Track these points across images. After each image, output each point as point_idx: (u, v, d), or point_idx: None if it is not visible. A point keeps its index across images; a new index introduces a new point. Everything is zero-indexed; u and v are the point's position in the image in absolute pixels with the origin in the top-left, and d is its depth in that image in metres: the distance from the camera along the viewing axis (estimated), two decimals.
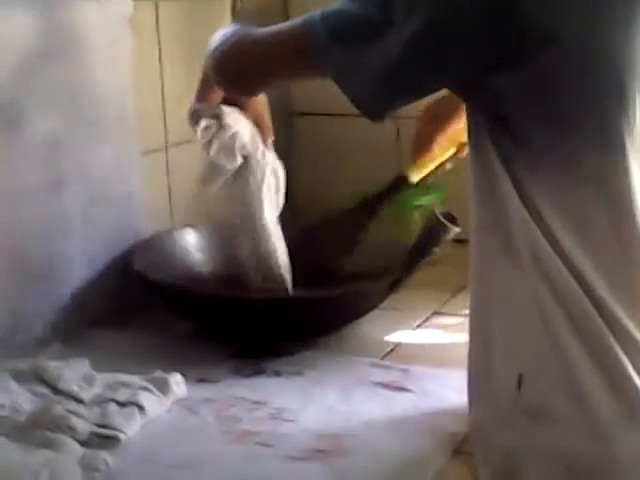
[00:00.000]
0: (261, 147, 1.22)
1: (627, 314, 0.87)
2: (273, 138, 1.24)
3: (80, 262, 1.27)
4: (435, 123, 1.21)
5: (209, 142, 1.18)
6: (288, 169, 1.28)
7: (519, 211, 0.88)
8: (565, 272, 0.87)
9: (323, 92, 1.72)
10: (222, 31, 1.07)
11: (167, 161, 1.45)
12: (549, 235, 0.87)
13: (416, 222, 1.47)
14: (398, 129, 1.67)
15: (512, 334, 0.91)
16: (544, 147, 0.87)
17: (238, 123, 1.18)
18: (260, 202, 1.22)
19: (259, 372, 1.17)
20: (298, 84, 1.54)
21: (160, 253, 1.34)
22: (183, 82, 1.45)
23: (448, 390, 1.11)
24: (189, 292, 1.25)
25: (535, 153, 0.87)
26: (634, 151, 0.87)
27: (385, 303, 1.28)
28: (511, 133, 0.88)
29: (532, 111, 0.87)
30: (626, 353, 0.86)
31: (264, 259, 1.23)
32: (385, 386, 1.13)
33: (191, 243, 1.40)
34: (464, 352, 1.23)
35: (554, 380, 0.88)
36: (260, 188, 1.22)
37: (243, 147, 1.19)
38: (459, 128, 1.14)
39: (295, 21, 0.96)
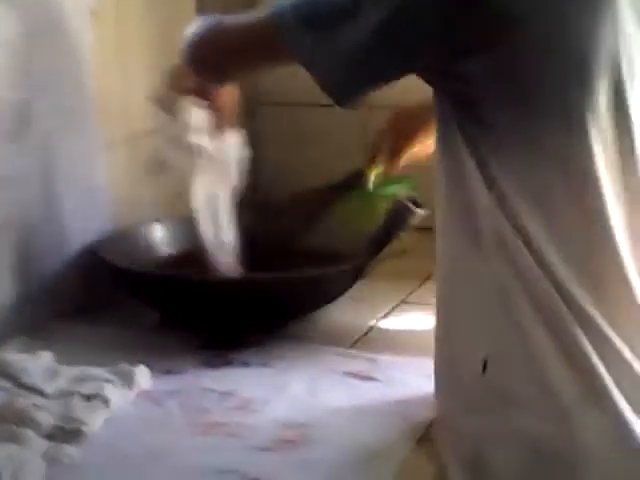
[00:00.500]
0: (216, 143, 1.22)
1: (591, 300, 0.87)
2: (236, 129, 1.23)
3: (45, 254, 1.26)
4: (405, 139, 1.23)
5: (164, 131, 1.19)
6: (254, 158, 1.27)
7: (484, 196, 0.89)
8: (529, 257, 0.87)
9: (289, 82, 1.72)
10: (198, 22, 1.09)
11: (131, 152, 1.44)
12: (513, 219, 0.88)
13: (383, 210, 1.47)
14: (364, 118, 1.67)
15: (476, 319, 0.92)
16: (508, 130, 0.88)
17: (196, 120, 1.19)
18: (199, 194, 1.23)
19: (227, 363, 1.17)
20: (265, 74, 1.54)
21: (127, 244, 1.33)
22: (146, 73, 1.44)
23: (415, 378, 1.11)
24: (155, 276, 1.25)
25: (499, 136, 0.88)
26: (598, 133, 0.87)
27: (352, 293, 1.28)
28: (476, 117, 0.89)
29: (497, 95, 0.87)
30: (588, 338, 0.86)
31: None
32: (352, 375, 1.13)
33: (158, 236, 1.39)
34: (431, 341, 1.23)
35: (518, 364, 0.88)
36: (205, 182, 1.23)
37: (197, 146, 1.21)
38: (429, 143, 1.16)
39: (266, 8, 0.97)
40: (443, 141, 0.94)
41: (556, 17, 0.86)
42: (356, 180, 1.29)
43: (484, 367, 0.90)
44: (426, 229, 1.32)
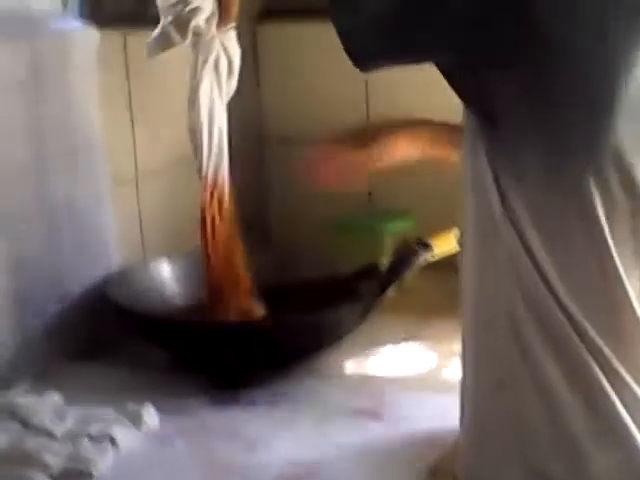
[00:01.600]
0: (213, 31, 1.22)
1: (603, 337, 0.87)
2: (234, 24, 1.24)
3: (51, 294, 1.26)
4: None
5: (168, 9, 1.20)
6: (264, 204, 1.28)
7: (501, 220, 0.88)
8: (541, 287, 0.86)
9: (294, 119, 1.74)
10: None
11: (138, 191, 1.45)
12: (527, 249, 0.87)
13: (387, 248, 1.47)
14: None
15: (489, 342, 0.91)
16: (530, 160, 0.86)
17: (202, 2, 1.19)
18: (199, 81, 1.23)
19: (234, 402, 1.17)
20: None
21: (134, 284, 1.34)
22: (152, 112, 1.46)
23: (422, 415, 1.11)
24: (163, 320, 1.25)
25: (521, 165, 0.86)
26: (619, 178, 0.85)
27: (359, 329, 1.28)
28: (500, 139, 0.87)
29: (522, 116, 0.85)
30: (603, 373, 0.86)
31: (194, 134, 1.25)
32: (359, 413, 1.13)
33: (165, 273, 1.40)
34: (438, 377, 1.23)
35: (528, 393, 0.88)
36: (201, 69, 1.22)
37: (197, 26, 1.20)
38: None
39: None
40: (470, 161, 0.91)
41: (597, 44, 0.83)
42: (370, 272, 1.30)
43: (498, 388, 0.89)
44: (431, 266, 1.33)
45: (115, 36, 1.40)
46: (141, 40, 1.45)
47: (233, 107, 1.29)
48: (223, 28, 1.22)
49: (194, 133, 1.25)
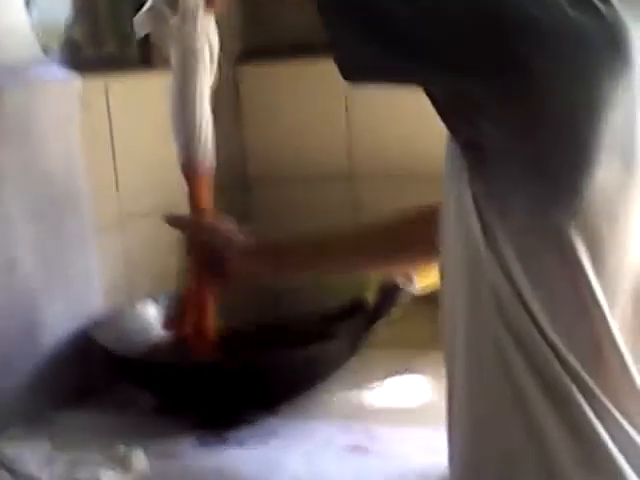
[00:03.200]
0: (200, 13, 1.19)
1: (584, 367, 0.87)
2: (220, 12, 1.21)
3: (37, 341, 1.26)
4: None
5: None
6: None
7: (485, 257, 0.88)
8: (527, 322, 0.86)
9: (279, 155, 1.75)
10: None
11: (122, 234, 1.46)
12: (512, 285, 0.87)
13: (372, 283, 1.48)
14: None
15: (474, 379, 0.91)
16: (515, 203, 0.85)
17: None
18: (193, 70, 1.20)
19: (222, 442, 1.17)
20: None
21: (120, 327, 1.34)
22: (135, 155, 1.47)
23: (413, 450, 1.11)
24: (148, 362, 1.25)
25: (506, 206, 0.85)
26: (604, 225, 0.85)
27: (346, 364, 1.28)
28: (487, 179, 0.86)
29: (507, 155, 0.84)
30: (590, 406, 0.86)
31: (187, 123, 1.22)
32: (350, 449, 1.13)
33: (151, 316, 1.40)
34: (429, 411, 1.23)
35: (516, 427, 0.88)
36: (193, 57, 1.19)
37: (187, 3, 1.17)
38: None
39: None
40: (452, 197, 0.91)
41: (584, 91, 0.82)
42: (356, 308, 1.31)
43: (486, 424, 0.89)
44: (418, 298, 1.34)
45: (96, 81, 1.41)
46: (122, 84, 1.47)
47: (215, 147, 1.30)
48: (206, 13, 1.19)
49: (187, 125, 1.21)
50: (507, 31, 0.82)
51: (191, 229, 1.24)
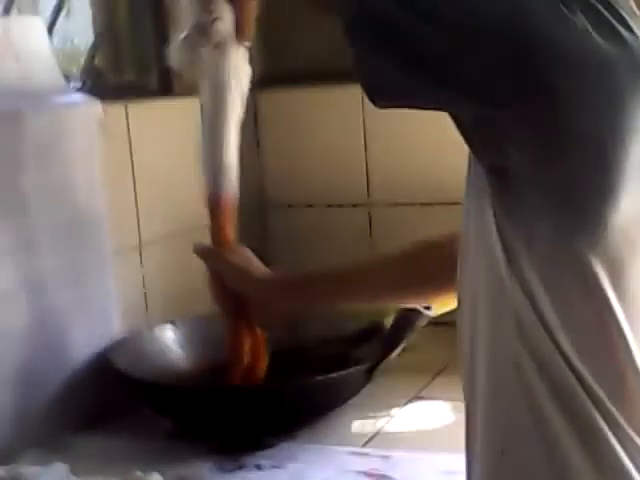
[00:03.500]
0: (230, 44, 1.19)
1: (608, 395, 0.87)
2: (249, 44, 1.21)
3: (57, 365, 1.27)
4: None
5: (190, 17, 1.18)
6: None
7: (509, 284, 0.88)
8: (549, 344, 0.86)
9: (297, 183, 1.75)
10: None
11: (141, 259, 1.46)
12: (534, 306, 0.87)
13: (389, 307, 1.48)
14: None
15: (494, 399, 0.91)
16: (540, 232, 0.85)
17: (224, 12, 1.17)
18: (226, 94, 1.19)
19: (240, 467, 1.16)
20: None
21: (138, 351, 1.34)
22: (155, 181, 1.48)
23: (430, 475, 1.10)
24: (166, 386, 1.25)
25: (531, 234, 0.85)
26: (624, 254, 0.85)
27: (363, 389, 1.28)
28: (511, 206, 0.86)
29: (532, 182, 0.84)
30: (613, 434, 0.86)
31: (214, 156, 1.21)
32: (367, 475, 1.12)
33: (169, 339, 1.40)
34: (446, 436, 1.22)
35: (536, 452, 0.87)
36: (227, 82, 1.19)
37: (219, 32, 1.17)
38: None
39: None
40: (474, 223, 0.90)
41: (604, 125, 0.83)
42: (373, 333, 1.31)
43: (506, 449, 0.88)
44: (435, 323, 1.33)
45: (117, 107, 1.42)
46: (142, 110, 1.48)
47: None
48: (238, 45, 1.20)
49: (215, 158, 1.20)
50: (537, 62, 0.82)
51: (213, 262, 1.24)
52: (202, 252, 1.25)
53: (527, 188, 0.85)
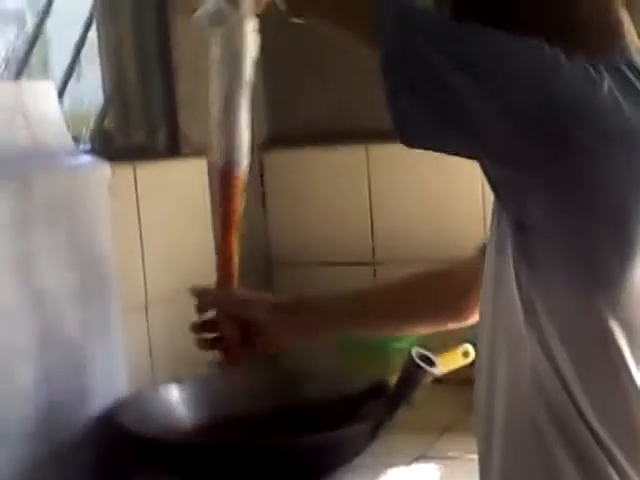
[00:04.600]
0: (251, 16, 1.17)
1: (620, 446, 0.87)
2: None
3: (60, 423, 1.27)
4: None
5: None
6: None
7: (526, 333, 0.88)
8: (565, 400, 0.86)
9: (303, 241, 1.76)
10: None
11: (147, 317, 1.48)
12: (552, 361, 0.87)
13: (394, 364, 1.48)
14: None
15: (511, 455, 0.91)
16: (558, 286, 0.87)
17: None
18: (244, 62, 1.17)
19: None
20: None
21: (144, 409, 1.34)
22: (162, 241, 1.50)
23: None
24: (173, 445, 1.25)
25: (549, 287, 0.87)
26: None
27: (368, 448, 1.28)
28: (532, 260, 0.87)
29: (552, 239, 0.87)
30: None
31: (230, 123, 1.18)
32: None
33: (175, 398, 1.40)
34: None
35: None
36: (245, 51, 1.17)
37: (249, 5, 1.15)
38: None
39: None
40: (495, 268, 0.91)
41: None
42: (378, 391, 1.31)
43: None
44: (439, 380, 1.34)
45: (125, 169, 1.45)
46: (150, 171, 1.50)
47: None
48: (254, 17, 1.18)
49: (230, 125, 1.18)
50: (565, 122, 0.84)
51: (220, 299, 1.20)
52: (201, 294, 1.21)
53: (548, 242, 0.87)
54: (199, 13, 1.19)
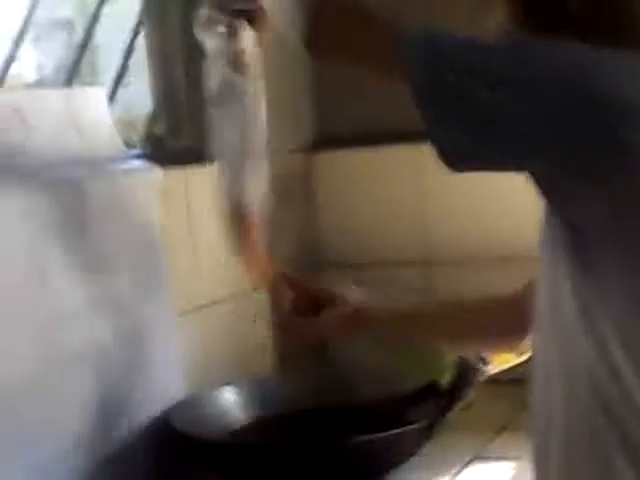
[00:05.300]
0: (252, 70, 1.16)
1: None
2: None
3: (118, 425, 1.28)
4: None
5: (220, 53, 1.14)
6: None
7: (582, 336, 0.87)
8: (624, 403, 0.85)
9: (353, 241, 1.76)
10: None
11: (202, 320, 1.48)
12: (610, 364, 0.86)
13: (447, 365, 1.47)
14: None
15: (563, 461, 0.90)
16: (614, 288, 0.86)
17: (247, 39, 1.14)
18: (253, 126, 1.17)
19: None
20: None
21: (199, 412, 1.35)
22: (214, 244, 1.50)
23: None
24: (228, 446, 1.26)
25: (606, 288, 0.86)
26: None
27: (422, 448, 1.27)
28: (587, 263, 0.86)
29: (607, 243, 0.86)
30: None
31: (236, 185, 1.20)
32: None
33: (230, 401, 1.41)
34: None
35: None
36: (254, 113, 1.17)
37: (247, 65, 1.15)
38: None
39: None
40: (549, 273, 0.91)
41: None
42: (432, 391, 1.31)
43: None
44: (493, 380, 1.33)
45: (176, 173, 1.46)
46: (201, 174, 1.51)
47: (290, 233, 1.32)
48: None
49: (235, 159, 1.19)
50: (607, 118, 0.83)
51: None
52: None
53: (604, 244, 0.86)
54: (207, 87, 1.18)
